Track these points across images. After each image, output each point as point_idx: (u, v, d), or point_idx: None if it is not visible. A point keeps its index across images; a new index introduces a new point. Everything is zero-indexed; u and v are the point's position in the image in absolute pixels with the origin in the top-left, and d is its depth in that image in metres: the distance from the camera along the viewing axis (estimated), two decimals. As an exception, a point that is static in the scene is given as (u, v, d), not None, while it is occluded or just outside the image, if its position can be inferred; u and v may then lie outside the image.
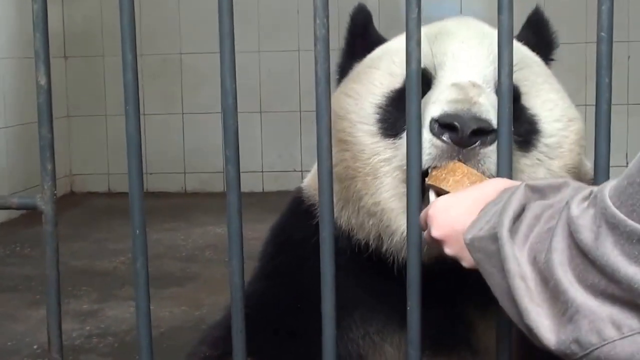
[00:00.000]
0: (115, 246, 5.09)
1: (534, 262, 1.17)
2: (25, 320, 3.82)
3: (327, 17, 1.57)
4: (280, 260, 1.97)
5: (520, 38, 1.94)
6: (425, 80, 1.72)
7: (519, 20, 1.94)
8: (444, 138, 1.60)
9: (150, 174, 6.63)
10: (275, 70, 6.88)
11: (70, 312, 3.81)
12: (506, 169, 1.56)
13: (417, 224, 1.54)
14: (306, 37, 6.44)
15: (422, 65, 1.71)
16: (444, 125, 1.60)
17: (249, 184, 6.37)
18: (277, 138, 6.91)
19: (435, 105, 1.64)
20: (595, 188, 1.17)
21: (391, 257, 1.78)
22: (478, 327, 1.85)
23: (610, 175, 1.58)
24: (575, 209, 1.14)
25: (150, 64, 6.80)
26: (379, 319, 1.86)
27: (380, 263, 1.80)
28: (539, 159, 1.77)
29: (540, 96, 1.82)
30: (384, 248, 1.79)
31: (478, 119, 1.59)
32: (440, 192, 1.56)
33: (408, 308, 1.60)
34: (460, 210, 1.35)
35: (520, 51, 1.86)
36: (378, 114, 1.79)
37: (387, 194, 1.75)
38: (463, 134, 1.58)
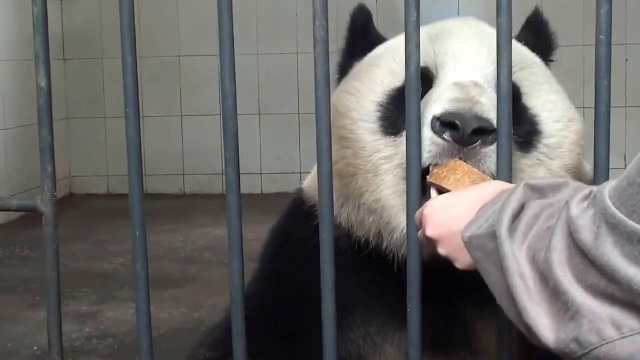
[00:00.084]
0: (115, 248, 5.09)
1: (533, 261, 1.17)
2: (24, 322, 3.82)
3: (327, 19, 1.58)
4: (281, 261, 1.97)
5: (520, 39, 1.95)
6: (426, 79, 1.74)
7: (518, 21, 1.96)
8: (445, 136, 1.61)
9: (149, 175, 6.63)
10: (274, 72, 6.88)
11: (70, 314, 3.81)
12: (506, 169, 1.57)
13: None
14: (305, 39, 6.44)
15: (424, 64, 1.72)
16: (445, 123, 1.61)
17: (248, 185, 6.37)
18: (276, 140, 6.91)
19: (437, 103, 1.65)
20: (595, 188, 1.17)
21: (391, 255, 1.79)
22: (477, 327, 1.86)
23: (610, 177, 1.59)
24: (575, 209, 1.14)
25: (149, 67, 6.80)
26: (380, 318, 1.87)
27: (381, 261, 1.81)
28: (539, 160, 1.78)
29: (541, 97, 1.83)
30: (384, 245, 1.79)
31: (479, 119, 1.60)
32: (441, 190, 1.57)
33: (409, 310, 1.60)
34: (457, 211, 1.35)
35: (521, 52, 1.87)
36: (379, 112, 1.80)
37: (388, 191, 1.75)
38: (464, 133, 1.59)
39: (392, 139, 1.76)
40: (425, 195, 1.60)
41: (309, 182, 2.01)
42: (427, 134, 1.62)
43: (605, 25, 1.54)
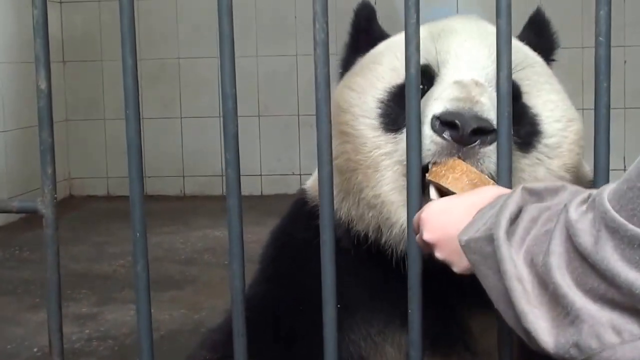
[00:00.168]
0: (115, 249, 5.09)
1: (531, 264, 1.16)
2: (24, 324, 3.82)
3: (327, 22, 1.59)
4: (282, 262, 1.97)
5: (521, 38, 1.96)
6: (427, 77, 1.75)
7: (517, 23, 1.96)
8: (445, 135, 1.62)
9: (149, 177, 6.63)
10: (273, 74, 6.89)
11: (70, 316, 3.81)
12: (506, 169, 1.57)
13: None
14: (304, 41, 6.45)
15: (425, 62, 1.73)
16: (445, 122, 1.62)
17: (247, 187, 6.37)
18: (276, 141, 6.92)
19: (437, 102, 1.66)
20: (593, 191, 1.17)
21: (390, 250, 1.79)
22: (473, 330, 1.86)
23: (610, 178, 1.59)
24: (574, 213, 1.13)
25: (149, 69, 6.80)
26: (380, 318, 1.87)
27: (379, 256, 1.82)
28: (538, 159, 1.79)
29: (542, 96, 1.83)
30: (383, 240, 1.80)
31: (479, 118, 1.61)
32: (440, 188, 1.58)
33: (410, 311, 1.60)
34: (454, 215, 1.35)
35: (523, 51, 1.87)
36: (380, 108, 1.81)
37: (388, 187, 1.76)
38: (463, 132, 1.60)
39: (392, 135, 1.77)
40: (424, 193, 1.60)
41: (311, 183, 2.01)
42: (427, 132, 1.63)
43: (604, 27, 1.54)
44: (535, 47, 1.95)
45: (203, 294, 4.20)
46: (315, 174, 1.95)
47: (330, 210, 1.62)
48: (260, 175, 6.93)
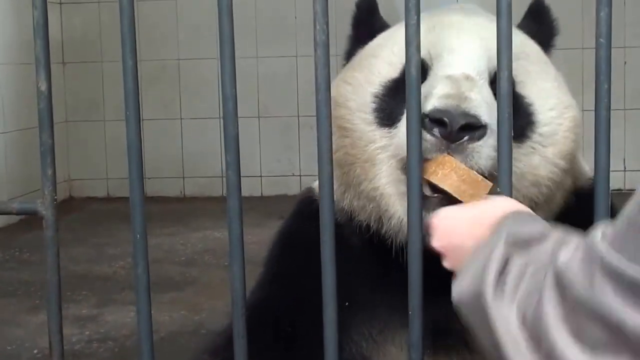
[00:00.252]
0: (115, 251, 5.09)
1: (524, 319, 1.10)
2: (24, 325, 3.82)
3: (327, 23, 1.59)
4: (287, 262, 1.98)
5: (521, 26, 1.97)
6: (422, 71, 1.75)
7: (518, 19, 1.96)
8: (434, 132, 1.64)
9: (149, 178, 6.63)
10: (273, 75, 6.89)
11: (70, 317, 3.80)
12: (506, 169, 1.57)
13: (419, 224, 1.57)
14: (304, 42, 6.46)
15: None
16: (433, 120, 1.64)
17: (247, 188, 6.37)
18: (276, 143, 6.92)
19: (427, 99, 1.68)
20: (581, 237, 1.10)
21: (390, 239, 1.82)
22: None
23: (609, 180, 1.60)
24: (565, 260, 1.07)
25: (149, 70, 6.80)
26: (381, 318, 1.88)
27: (381, 246, 1.84)
28: (533, 148, 1.80)
29: (537, 84, 1.85)
30: (384, 230, 1.83)
31: (467, 115, 1.64)
32: (431, 184, 1.62)
33: (410, 312, 1.60)
34: (459, 226, 1.36)
35: (518, 40, 1.87)
36: (375, 103, 1.83)
37: (384, 180, 1.79)
38: (452, 129, 1.63)
39: (386, 130, 1.79)
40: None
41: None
42: None
43: (605, 28, 1.54)
44: (534, 35, 1.96)
45: (203, 295, 4.20)
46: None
47: (330, 211, 1.62)
48: (260, 176, 6.93)
